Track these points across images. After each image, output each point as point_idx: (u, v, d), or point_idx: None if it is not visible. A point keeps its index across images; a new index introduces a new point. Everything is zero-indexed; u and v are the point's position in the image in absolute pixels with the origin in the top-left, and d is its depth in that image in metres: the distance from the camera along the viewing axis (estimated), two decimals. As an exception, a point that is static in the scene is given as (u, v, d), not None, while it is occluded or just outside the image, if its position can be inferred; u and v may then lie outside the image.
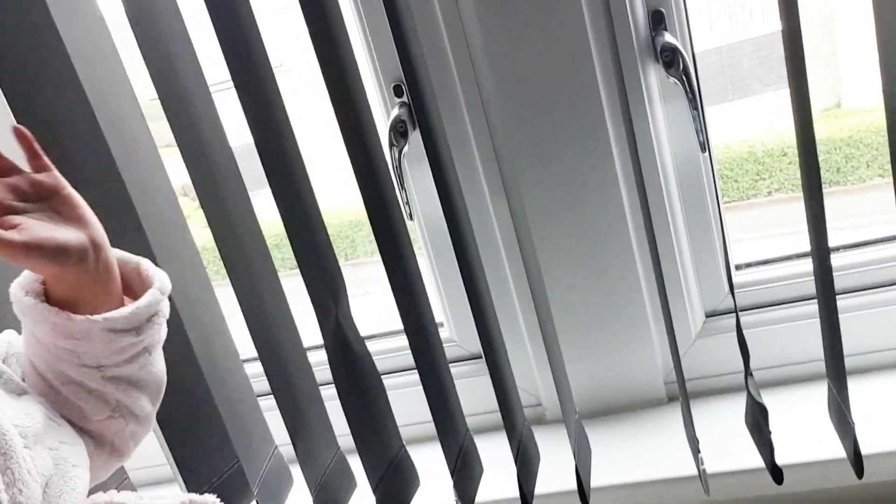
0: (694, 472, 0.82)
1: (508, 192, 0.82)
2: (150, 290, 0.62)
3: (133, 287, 0.63)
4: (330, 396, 0.86)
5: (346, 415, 0.83)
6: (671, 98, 0.87)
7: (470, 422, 0.91)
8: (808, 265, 0.93)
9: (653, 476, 0.85)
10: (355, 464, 0.87)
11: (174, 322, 0.78)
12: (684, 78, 0.80)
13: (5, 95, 0.73)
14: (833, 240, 0.72)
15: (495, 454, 0.92)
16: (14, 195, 0.56)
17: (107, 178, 0.77)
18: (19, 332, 0.63)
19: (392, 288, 0.79)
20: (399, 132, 0.88)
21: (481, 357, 1.00)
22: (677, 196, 0.91)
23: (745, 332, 0.79)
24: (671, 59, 0.81)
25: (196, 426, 0.84)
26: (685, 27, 0.83)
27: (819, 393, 0.85)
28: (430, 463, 0.92)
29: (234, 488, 0.84)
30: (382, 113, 0.91)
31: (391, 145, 0.87)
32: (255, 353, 0.82)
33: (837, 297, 0.74)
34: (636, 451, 0.90)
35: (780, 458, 0.77)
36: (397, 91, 0.89)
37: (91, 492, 0.60)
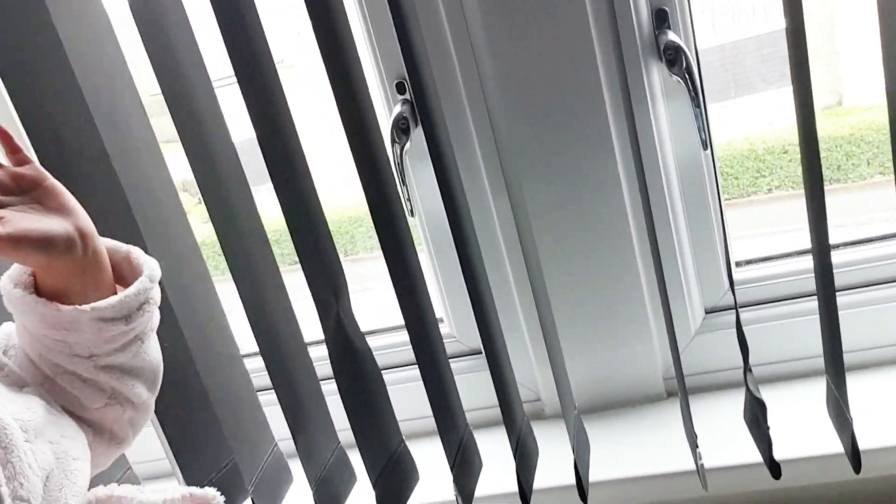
0: (692, 467, 0.82)
1: (510, 189, 0.82)
2: (140, 279, 0.62)
3: (124, 275, 0.63)
4: (329, 391, 0.86)
5: (346, 409, 0.83)
6: (673, 96, 0.87)
7: (469, 417, 0.91)
8: (807, 262, 0.93)
9: (651, 471, 0.86)
10: (355, 458, 0.88)
11: (173, 317, 0.78)
12: (687, 76, 0.80)
13: (8, 91, 0.73)
14: (833, 237, 0.72)
15: (494, 449, 0.92)
16: None
17: (106, 173, 0.78)
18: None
19: (393, 284, 0.80)
20: (401, 129, 0.88)
21: (481, 352, 1.00)
22: (678, 193, 0.91)
23: (744, 328, 0.80)
24: (674, 58, 0.81)
25: (194, 422, 0.84)
26: (689, 25, 0.83)
27: (817, 389, 0.86)
28: (429, 457, 0.92)
29: (230, 486, 0.84)
30: (385, 110, 0.91)
31: (393, 142, 0.87)
32: (254, 349, 0.82)
33: (837, 293, 0.74)
34: (635, 447, 0.90)
35: (779, 454, 0.78)
36: (400, 88, 0.89)
37: (92, 484, 0.61)
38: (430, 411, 0.83)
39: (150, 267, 0.63)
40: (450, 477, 0.84)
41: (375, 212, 0.78)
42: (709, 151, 0.85)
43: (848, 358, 0.76)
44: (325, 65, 0.73)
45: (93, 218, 0.60)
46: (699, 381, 0.97)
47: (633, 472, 0.86)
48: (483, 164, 0.89)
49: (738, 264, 0.97)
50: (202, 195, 0.78)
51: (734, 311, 0.81)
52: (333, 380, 0.83)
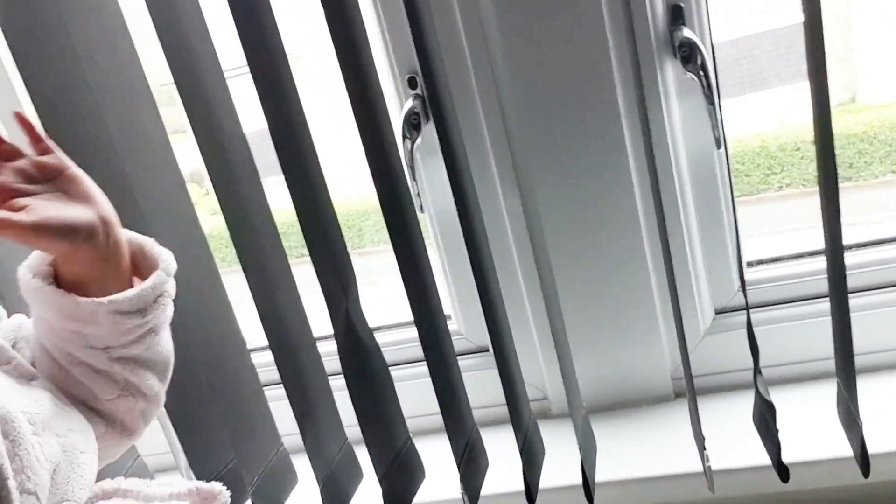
0: (699, 468, 0.82)
1: (521, 186, 0.81)
2: (156, 272, 0.62)
3: (139, 267, 0.63)
4: (337, 387, 0.86)
5: (353, 405, 0.83)
6: (687, 93, 0.86)
7: (475, 415, 0.91)
8: (819, 263, 0.92)
9: (658, 472, 0.85)
10: (362, 454, 0.88)
11: (179, 310, 0.78)
12: (702, 73, 0.79)
13: (24, 81, 0.73)
14: (844, 237, 0.71)
15: (500, 447, 0.92)
16: (20, 178, 0.56)
17: (114, 163, 0.77)
18: (29, 316, 0.64)
19: (403, 280, 0.79)
20: (412, 124, 0.87)
21: (489, 350, 1.00)
22: (690, 191, 0.90)
23: (754, 329, 0.79)
24: (689, 55, 0.80)
25: (198, 418, 0.84)
26: (704, 22, 0.82)
27: (827, 391, 0.85)
28: (436, 455, 0.92)
29: (230, 486, 0.85)
30: (396, 104, 0.90)
31: (404, 137, 0.87)
32: (262, 343, 0.82)
33: (849, 295, 0.73)
34: (642, 447, 0.90)
35: (787, 456, 0.77)
36: (411, 83, 0.88)
37: (101, 474, 0.61)
38: (437, 408, 0.83)
39: (165, 260, 0.64)
40: (456, 475, 0.83)
41: (386, 207, 0.77)
42: (722, 150, 0.84)
43: (858, 360, 0.75)
44: (338, 57, 0.72)
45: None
46: (708, 382, 0.96)
47: (640, 472, 0.86)
48: (494, 160, 0.88)
49: (749, 264, 0.96)
50: (213, 186, 0.77)
51: (745, 311, 0.80)
52: (341, 375, 0.83)
